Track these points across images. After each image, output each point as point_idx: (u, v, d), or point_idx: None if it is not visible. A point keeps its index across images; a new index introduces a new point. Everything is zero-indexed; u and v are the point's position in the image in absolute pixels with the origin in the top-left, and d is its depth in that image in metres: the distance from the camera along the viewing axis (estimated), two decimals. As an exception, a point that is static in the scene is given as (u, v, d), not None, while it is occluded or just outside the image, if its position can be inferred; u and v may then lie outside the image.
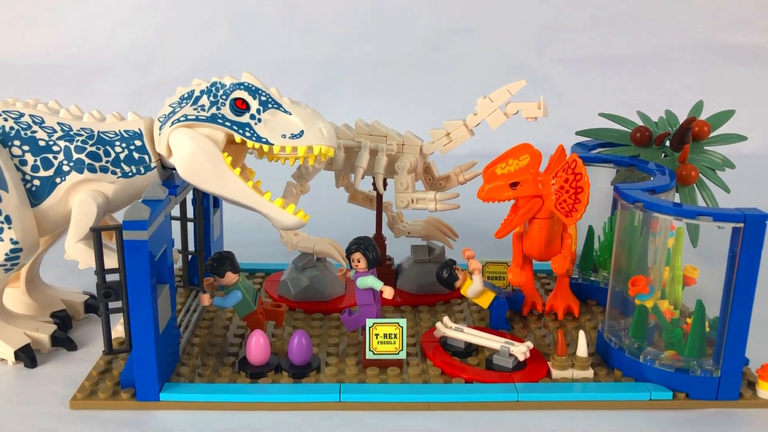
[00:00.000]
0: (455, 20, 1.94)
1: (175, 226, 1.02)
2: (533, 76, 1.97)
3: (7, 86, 1.83)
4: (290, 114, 0.83)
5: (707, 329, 0.85)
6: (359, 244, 0.89)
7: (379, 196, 1.05)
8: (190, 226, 1.02)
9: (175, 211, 1.02)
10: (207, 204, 1.02)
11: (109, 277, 0.80)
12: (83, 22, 1.91)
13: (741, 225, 0.75)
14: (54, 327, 0.91)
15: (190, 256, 1.04)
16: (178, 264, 1.05)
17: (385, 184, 1.02)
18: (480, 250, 1.09)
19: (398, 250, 1.12)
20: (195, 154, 0.82)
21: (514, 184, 0.89)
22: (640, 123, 1.06)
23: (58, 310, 0.96)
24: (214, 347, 0.90)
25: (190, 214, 1.02)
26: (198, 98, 0.84)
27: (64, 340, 0.91)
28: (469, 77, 1.91)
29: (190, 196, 1.01)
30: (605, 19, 1.98)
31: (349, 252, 0.89)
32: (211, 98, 0.84)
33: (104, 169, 0.85)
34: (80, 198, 0.84)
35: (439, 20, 1.94)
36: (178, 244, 1.03)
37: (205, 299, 0.87)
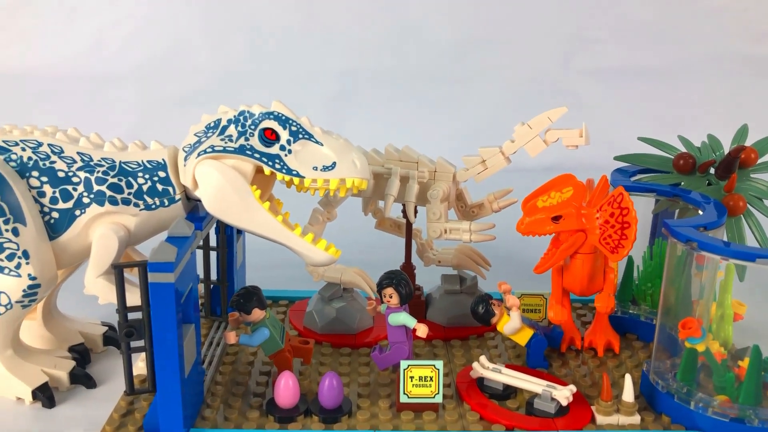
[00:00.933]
0: (477, 31, 1.89)
1: (197, 254, 0.99)
2: (557, 88, 1.92)
3: (19, 96, 1.80)
4: (322, 145, 0.79)
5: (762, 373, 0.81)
6: (391, 279, 0.85)
7: (408, 224, 1.01)
8: (213, 254, 0.99)
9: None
10: (230, 232, 0.98)
11: (131, 314, 0.76)
12: (97, 31, 1.87)
13: (804, 269, 0.71)
14: (73, 363, 0.87)
15: (212, 286, 1.00)
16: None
17: (415, 212, 0.98)
18: (513, 280, 1.04)
19: (427, 279, 1.07)
20: (223, 188, 0.78)
21: (556, 218, 0.84)
22: (682, 148, 1.02)
23: (76, 344, 0.93)
24: (239, 386, 0.86)
25: (212, 241, 0.98)
26: (225, 128, 0.80)
27: (83, 377, 0.87)
28: (492, 89, 1.87)
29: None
30: (631, 29, 1.93)
31: (381, 287, 0.85)
32: (239, 128, 0.80)
33: (126, 202, 0.81)
34: (101, 232, 0.81)
35: (461, 31, 1.89)
36: (200, 273, 0.99)
37: (231, 337, 0.83)
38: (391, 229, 1.06)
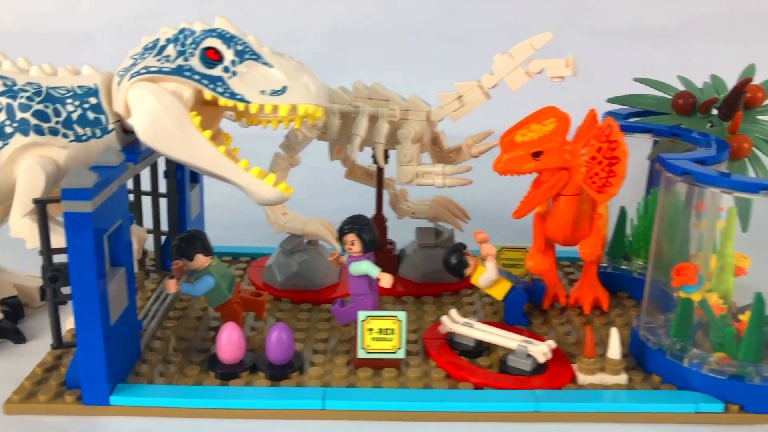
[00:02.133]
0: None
1: (147, 202, 0.91)
2: (556, 49, 1.82)
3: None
4: (271, 66, 0.70)
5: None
6: (353, 224, 0.76)
7: (380, 171, 0.92)
8: (164, 202, 0.90)
9: (147, 186, 0.90)
10: (182, 177, 0.90)
11: (59, 258, 0.68)
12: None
13: (816, 202, 0.61)
14: (0, 316, 0.79)
15: (163, 237, 0.91)
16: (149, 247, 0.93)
17: (386, 157, 0.89)
18: (495, 234, 0.95)
19: (401, 234, 0.98)
20: (157, 113, 0.69)
21: (536, 154, 0.75)
22: (682, 88, 0.92)
23: (8, 297, 0.84)
24: (183, 342, 0.77)
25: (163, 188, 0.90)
26: (163, 48, 0.71)
27: (10, 331, 0.79)
28: (488, 49, 1.76)
29: (163, 167, 0.88)
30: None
31: (342, 233, 0.76)
32: (179, 47, 0.71)
33: (54, 132, 0.72)
34: (26, 165, 0.72)
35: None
36: (149, 224, 0.91)
37: (172, 286, 0.75)
38: (363, 178, 0.97)
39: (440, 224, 0.96)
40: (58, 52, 1.72)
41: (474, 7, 1.80)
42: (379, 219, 0.94)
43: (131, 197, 0.90)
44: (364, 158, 0.93)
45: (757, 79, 0.91)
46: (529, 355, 0.71)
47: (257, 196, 0.71)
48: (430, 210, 0.95)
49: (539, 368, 0.72)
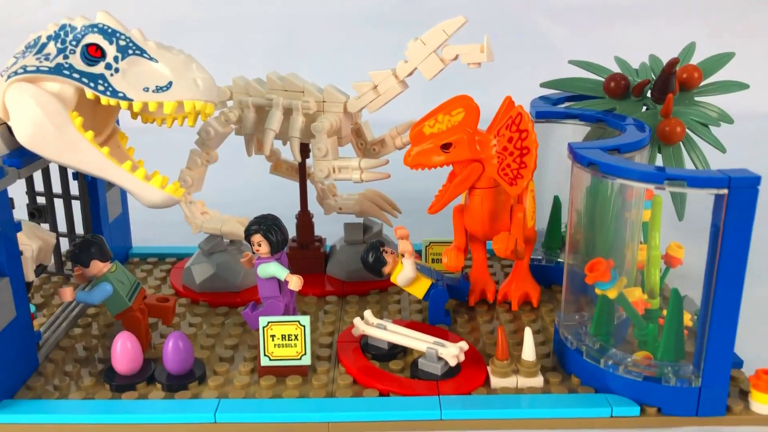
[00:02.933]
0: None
1: (60, 204, 0.87)
2: (519, 30, 1.77)
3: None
4: (156, 62, 0.66)
5: (690, 323, 0.68)
6: (259, 225, 0.72)
7: (303, 166, 0.88)
8: (77, 204, 0.86)
9: (58, 188, 0.86)
10: (92, 178, 0.86)
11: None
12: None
13: (725, 191, 0.57)
14: None
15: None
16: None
17: (307, 151, 0.85)
18: (427, 228, 0.92)
19: (331, 229, 0.95)
20: (35, 116, 0.66)
21: (445, 146, 0.71)
22: (617, 70, 0.87)
23: None
24: (86, 351, 0.74)
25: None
26: (44, 45, 0.67)
27: None
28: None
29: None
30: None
31: (248, 234, 0.72)
32: (59, 45, 0.67)
33: (-67, 137, 0.69)
34: None
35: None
36: (65, 227, 0.87)
37: (67, 294, 0.71)
38: (288, 173, 0.93)
39: (370, 219, 0.92)
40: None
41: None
42: (305, 215, 0.91)
43: (42, 200, 0.87)
44: (288, 153, 0.89)
45: (697, 58, 0.87)
46: (440, 358, 0.68)
47: (144, 199, 0.67)
48: (356, 204, 0.91)
49: (451, 371, 0.68)
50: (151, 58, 0.66)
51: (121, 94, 0.66)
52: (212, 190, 0.91)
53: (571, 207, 0.69)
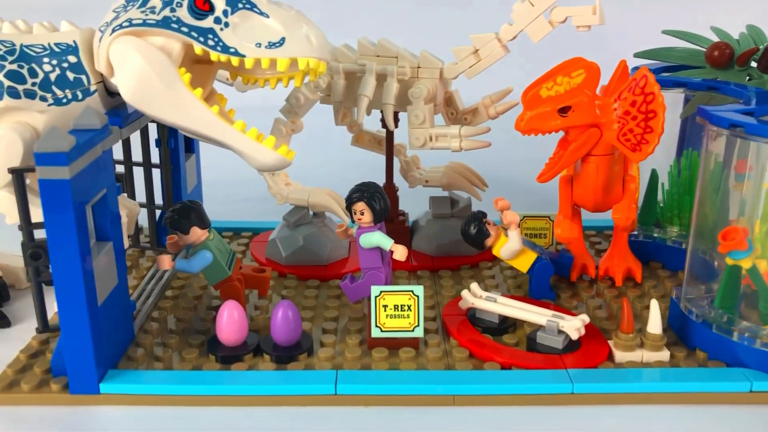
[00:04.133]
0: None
1: (139, 173, 0.84)
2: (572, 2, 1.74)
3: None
4: (267, 16, 0.63)
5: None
6: (362, 192, 0.69)
7: (390, 136, 0.85)
8: (157, 173, 0.83)
9: (138, 156, 0.83)
10: (175, 145, 0.83)
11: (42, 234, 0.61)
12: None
13: None
14: (-18, 298, 0.73)
15: (158, 211, 0.85)
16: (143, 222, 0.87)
17: (396, 120, 0.81)
18: (515, 202, 0.88)
19: (414, 204, 0.92)
20: (142, 70, 0.62)
21: (564, 110, 0.68)
22: (716, 40, 0.84)
23: (-8, 278, 0.78)
24: (180, 323, 0.71)
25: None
26: (147, -1, 0.64)
27: (-6, 314, 0.73)
28: (494, 10, 1.68)
29: (154, 135, 0.81)
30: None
31: (350, 202, 0.69)
32: (165, -3, 0.63)
33: (30, 94, 0.65)
34: (1, 132, 0.65)
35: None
36: (142, 197, 0.84)
37: (165, 261, 0.68)
38: (370, 144, 0.90)
39: (455, 193, 0.89)
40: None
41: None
42: (390, 188, 0.87)
43: (121, 168, 0.84)
44: (371, 123, 0.86)
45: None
46: (560, 332, 0.65)
47: (256, 160, 0.64)
48: (444, 177, 0.88)
49: (571, 346, 0.65)
50: (261, 13, 0.63)
51: (232, 50, 0.62)
52: (293, 162, 0.88)
53: (700, 178, 0.66)
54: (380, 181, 0.87)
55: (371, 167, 0.92)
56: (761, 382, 0.60)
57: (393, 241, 0.69)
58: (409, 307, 0.65)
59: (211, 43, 0.63)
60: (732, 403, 0.60)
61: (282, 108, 0.83)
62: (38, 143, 0.54)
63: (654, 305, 0.65)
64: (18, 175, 0.61)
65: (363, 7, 1.71)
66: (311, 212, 0.85)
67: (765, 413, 0.59)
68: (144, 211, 0.84)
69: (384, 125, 0.82)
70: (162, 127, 0.80)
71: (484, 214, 0.76)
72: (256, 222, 0.95)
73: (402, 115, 0.81)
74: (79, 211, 0.56)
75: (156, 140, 0.81)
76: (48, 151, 0.54)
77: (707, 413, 0.59)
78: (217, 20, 0.63)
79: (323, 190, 0.85)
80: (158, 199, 0.84)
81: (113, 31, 0.63)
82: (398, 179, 0.88)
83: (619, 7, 1.72)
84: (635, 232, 0.85)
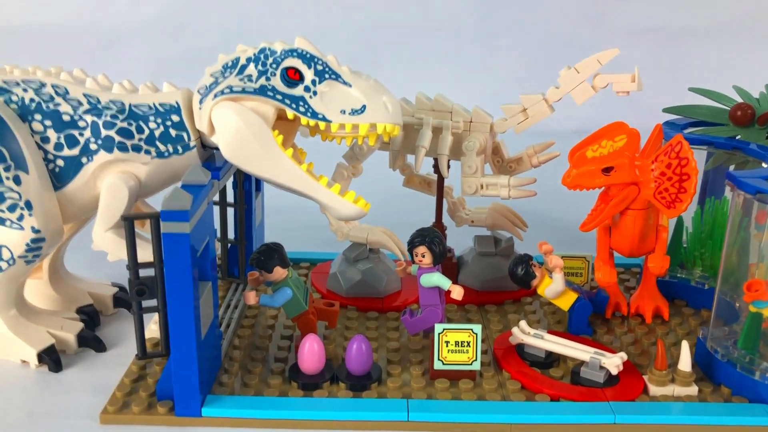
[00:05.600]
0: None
1: (215, 210, 0.92)
2: (589, 48, 1.82)
3: (27, 53, 1.73)
4: (350, 86, 0.72)
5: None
6: (424, 237, 0.78)
7: (440, 180, 0.94)
8: (230, 210, 0.92)
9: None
10: (249, 187, 0.91)
11: (143, 272, 0.70)
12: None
13: None
14: (81, 325, 0.81)
15: (229, 245, 0.93)
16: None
17: (448, 167, 0.90)
18: (551, 241, 0.97)
19: (459, 241, 1.00)
20: (241, 132, 0.71)
21: (607, 170, 0.77)
22: (738, 99, 0.93)
23: (84, 305, 0.86)
24: (259, 351, 0.80)
25: (230, 197, 0.91)
26: (244, 67, 0.73)
27: (92, 339, 0.81)
28: (521, 47, 1.78)
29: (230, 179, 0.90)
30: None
31: (413, 245, 0.78)
32: (260, 67, 0.72)
33: (137, 148, 0.74)
34: (110, 181, 0.74)
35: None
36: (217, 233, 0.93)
37: (251, 298, 0.77)
38: (420, 186, 0.99)
39: (498, 232, 0.98)
40: (95, 50, 1.75)
41: (506, 5, 1.80)
42: (439, 227, 0.96)
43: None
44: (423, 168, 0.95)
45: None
46: (602, 367, 0.73)
47: (339, 212, 0.73)
48: (488, 218, 0.96)
49: (611, 380, 0.74)
50: (345, 83, 0.72)
51: (320, 116, 0.71)
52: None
53: (728, 233, 0.75)
54: (429, 218, 0.96)
55: (420, 207, 1.01)
56: (780, 417, 0.69)
57: (451, 281, 0.78)
58: (468, 343, 0.74)
59: (302, 109, 0.71)
60: (753, 435, 0.69)
61: (345, 154, 0.92)
62: (164, 202, 0.63)
63: (684, 346, 0.73)
64: (130, 222, 0.69)
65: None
66: (368, 248, 0.94)
67: (782, 444, 0.68)
68: (218, 245, 0.92)
69: (436, 171, 0.91)
70: (240, 172, 0.88)
71: (529, 257, 0.84)
72: (314, 252, 1.03)
73: (453, 164, 0.90)
74: (194, 259, 0.65)
75: (233, 182, 0.90)
76: (174, 209, 0.62)
77: (732, 443, 0.68)
78: (307, 89, 0.72)
79: (380, 228, 0.93)
80: (230, 234, 0.93)
81: (215, 96, 0.72)
82: (446, 219, 0.97)
83: (636, 48, 1.82)
84: (661, 273, 0.94)
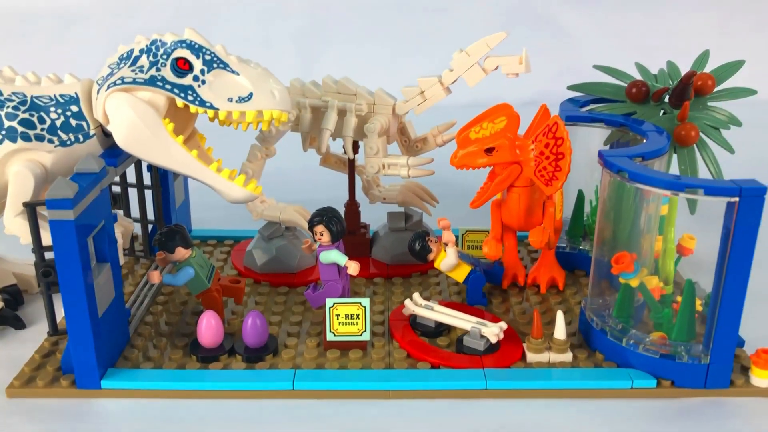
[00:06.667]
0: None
1: (134, 193, 0.96)
2: (537, 17, 1.85)
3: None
4: (238, 74, 0.75)
5: (700, 308, 0.78)
6: (322, 216, 0.82)
7: (352, 161, 0.98)
8: (149, 193, 0.96)
9: (132, 178, 0.96)
10: (164, 170, 0.95)
11: (51, 254, 0.74)
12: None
13: (736, 199, 0.67)
14: (0, 304, 0.86)
15: (150, 226, 0.98)
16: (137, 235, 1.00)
17: (356, 148, 0.94)
18: (462, 217, 1.02)
19: (375, 217, 1.04)
20: (133, 122, 0.75)
21: (489, 150, 0.80)
22: (638, 76, 0.96)
23: (8, 285, 0.91)
24: (169, 326, 0.84)
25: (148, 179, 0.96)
26: (137, 58, 0.76)
27: (10, 318, 0.86)
28: (469, 19, 1.79)
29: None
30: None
31: (312, 224, 0.82)
32: (151, 58, 0.76)
33: (40, 138, 0.78)
34: (16, 169, 0.78)
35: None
36: (137, 213, 0.97)
37: (155, 276, 0.81)
38: (336, 165, 1.02)
39: (410, 208, 1.02)
40: (50, 32, 1.77)
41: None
42: (353, 204, 1.00)
43: (118, 189, 0.96)
44: (337, 147, 0.99)
45: (711, 65, 0.96)
46: (482, 336, 0.78)
47: (228, 195, 0.77)
48: (399, 195, 1.00)
49: (492, 347, 0.78)
50: (233, 71, 0.75)
51: (208, 104, 0.75)
52: (269, 180, 1.01)
53: (600, 206, 0.79)
54: (345, 196, 1.00)
55: (337, 185, 1.05)
56: (640, 380, 0.73)
57: (347, 258, 0.82)
58: (357, 316, 0.78)
59: (190, 98, 0.75)
60: (618, 397, 0.73)
61: (257, 136, 0.96)
62: (48, 191, 0.67)
63: (559, 315, 0.78)
64: (31, 208, 0.73)
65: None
66: (283, 226, 0.98)
67: (642, 405, 0.73)
68: (138, 226, 0.97)
69: (345, 152, 0.95)
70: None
71: (427, 233, 0.88)
72: (238, 231, 1.08)
73: (361, 144, 0.93)
74: (81, 243, 0.69)
75: (147, 166, 0.94)
76: (56, 198, 0.66)
77: (598, 405, 0.73)
78: (195, 78, 0.75)
79: (293, 207, 0.97)
80: (150, 215, 0.97)
81: (108, 87, 0.75)
82: (361, 196, 1.01)
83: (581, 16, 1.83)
84: (563, 244, 0.98)
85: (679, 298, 0.78)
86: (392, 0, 1.83)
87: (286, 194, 1.03)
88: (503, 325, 0.78)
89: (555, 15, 1.85)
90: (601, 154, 0.76)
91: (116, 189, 0.96)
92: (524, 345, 0.79)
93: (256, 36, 1.78)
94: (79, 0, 1.81)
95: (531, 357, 0.77)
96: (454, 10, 1.83)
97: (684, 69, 0.95)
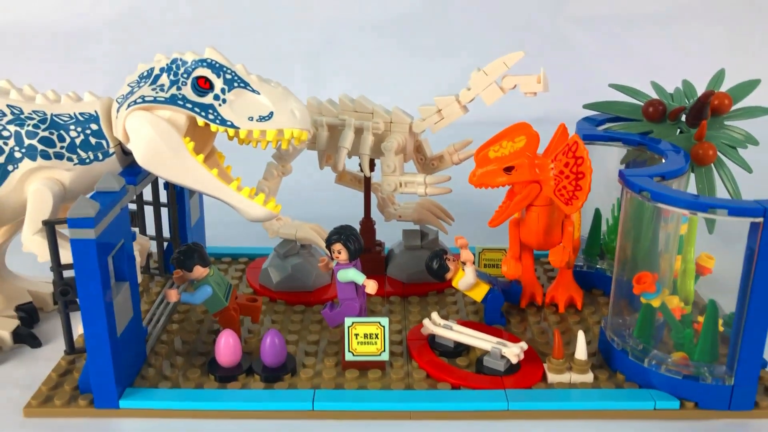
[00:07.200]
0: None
1: (150, 211, 0.96)
2: (546, 38, 1.85)
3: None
4: (258, 93, 0.75)
5: (721, 328, 0.77)
6: (340, 234, 0.82)
7: (368, 178, 0.97)
8: (165, 211, 0.96)
9: (148, 195, 0.96)
10: (180, 188, 0.95)
11: (69, 273, 0.74)
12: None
13: (760, 220, 0.66)
14: (16, 323, 0.85)
15: (166, 244, 0.98)
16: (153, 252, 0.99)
17: (372, 166, 0.94)
18: (478, 235, 1.02)
19: (390, 235, 1.04)
20: (153, 141, 0.75)
21: (508, 169, 0.80)
22: (654, 95, 0.96)
23: (23, 303, 0.91)
24: (185, 345, 0.84)
25: (164, 197, 0.95)
26: (158, 77, 0.77)
27: (27, 336, 0.85)
28: (479, 38, 1.80)
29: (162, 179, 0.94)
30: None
31: (329, 243, 0.82)
32: (172, 77, 0.76)
33: (59, 156, 0.78)
34: (34, 187, 0.78)
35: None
36: (152, 230, 0.97)
37: (173, 295, 0.81)
38: (351, 183, 1.02)
39: (426, 226, 1.01)
40: (59, 49, 1.78)
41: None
42: (368, 222, 1.00)
43: (134, 207, 0.96)
44: (352, 165, 0.99)
45: (730, 83, 0.96)
46: (503, 356, 0.77)
47: (248, 214, 0.77)
48: (415, 213, 1.00)
49: (512, 368, 0.78)
50: (253, 91, 0.75)
51: (229, 123, 0.75)
52: (283, 198, 1.00)
53: (621, 225, 0.78)
54: (360, 214, 1.00)
55: (352, 203, 1.04)
56: (663, 402, 0.73)
57: (365, 276, 0.82)
58: (376, 336, 0.78)
59: (211, 116, 0.75)
60: (639, 419, 0.73)
61: (274, 154, 0.96)
62: (70, 209, 0.67)
63: (580, 336, 0.77)
64: (50, 226, 0.73)
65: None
66: (299, 244, 0.98)
67: (665, 427, 0.72)
68: (154, 243, 0.97)
69: (361, 170, 0.95)
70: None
71: (444, 251, 0.88)
72: (252, 248, 1.07)
73: (377, 160, 0.93)
74: (102, 262, 0.69)
75: (164, 184, 0.94)
76: (78, 217, 0.66)
77: (620, 426, 0.72)
78: (216, 97, 0.75)
79: (309, 225, 0.97)
80: (166, 233, 0.97)
81: (129, 105, 0.76)
82: (376, 213, 1.01)
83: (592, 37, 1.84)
84: (580, 263, 0.97)
85: (699, 318, 0.77)
86: (403, 20, 1.84)
87: (300, 212, 1.03)
88: (524, 345, 0.78)
89: (566, 34, 1.86)
90: (621, 174, 0.76)
91: (132, 207, 0.96)
92: (545, 365, 0.78)
93: (268, 53, 1.78)
94: (85, 19, 1.82)
95: (552, 378, 0.77)
96: (463, 27, 1.84)
97: (699, 88, 0.95)
